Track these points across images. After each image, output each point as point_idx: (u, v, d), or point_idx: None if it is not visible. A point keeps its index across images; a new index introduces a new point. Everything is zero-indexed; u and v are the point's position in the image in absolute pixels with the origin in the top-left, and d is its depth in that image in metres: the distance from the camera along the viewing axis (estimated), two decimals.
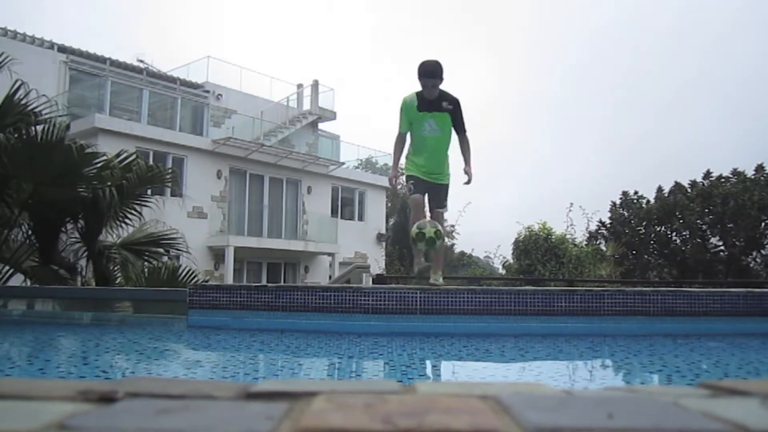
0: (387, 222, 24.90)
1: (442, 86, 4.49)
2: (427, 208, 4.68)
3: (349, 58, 70.52)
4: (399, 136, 4.63)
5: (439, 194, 4.66)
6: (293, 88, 21.58)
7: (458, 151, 4.69)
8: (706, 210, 16.03)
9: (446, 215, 5.29)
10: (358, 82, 64.23)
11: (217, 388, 0.64)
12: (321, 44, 66.95)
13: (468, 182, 4.63)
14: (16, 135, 5.82)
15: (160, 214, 7.67)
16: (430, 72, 4.40)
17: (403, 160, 4.80)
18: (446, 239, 4.29)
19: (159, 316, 4.98)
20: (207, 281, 10.68)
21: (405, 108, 4.55)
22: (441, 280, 4.61)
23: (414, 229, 4.24)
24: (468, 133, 4.64)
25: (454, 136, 4.63)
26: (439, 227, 4.29)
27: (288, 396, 0.60)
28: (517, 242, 15.97)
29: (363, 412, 0.53)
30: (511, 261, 16.34)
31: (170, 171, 8.09)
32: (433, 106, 4.51)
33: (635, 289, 5.41)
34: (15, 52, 7.20)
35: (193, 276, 6.84)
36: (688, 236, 16.31)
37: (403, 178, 4.92)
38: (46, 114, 6.44)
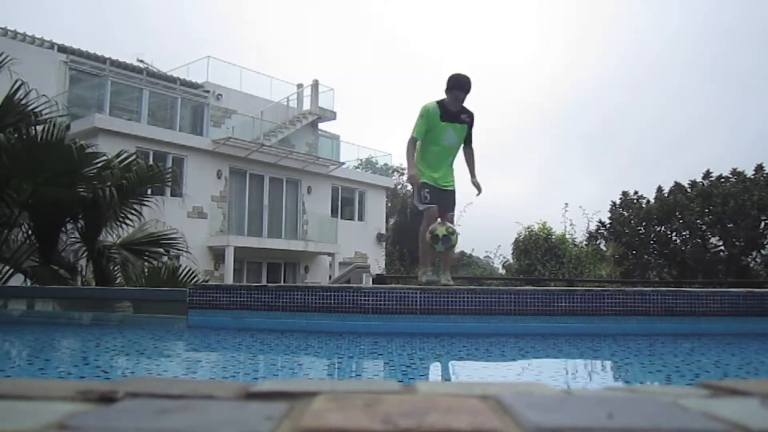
0: (387, 222, 24.90)
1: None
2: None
3: (349, 58, 70.49)
4: (412, 140, 4.77)
5: (449, 200, 4.89)
6: (293, 88, 21.57)
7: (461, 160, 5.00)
8: (706, 210, 16.03)
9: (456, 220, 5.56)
10: (358, 82, 64.23)
11: (217, 388, 0.64)
12: (321, 44, 66.93)
13: (479, 193, 4.96)
14: (16, 135, 5.81)
15: (160, 214, 7.67)
16: (463, 85, 4.64)
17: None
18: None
19: (159, 316, 4.98)
20: (207, 281, 10.68)
21: (427, 116, 4.70)
22: (451, 280, 4.81)
23: (435, 231, 4.44)
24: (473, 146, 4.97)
25: None
26: (450, 225, 4.53)
27: (288, 396, 0.60)
28: (517, 242, 15.99)
29: (363, 412, 0.53)
30: (511, 261, 16.36)
31: (170, 171, 8.09)
32: (455, 118, 4.74)
33: (635, 289, 5.42)
34: (15, 52, 7.20)
35: (192, 276, 6.84)
36: (688, 236, 16.31)
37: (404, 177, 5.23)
38: (46, 114, 6.44)
